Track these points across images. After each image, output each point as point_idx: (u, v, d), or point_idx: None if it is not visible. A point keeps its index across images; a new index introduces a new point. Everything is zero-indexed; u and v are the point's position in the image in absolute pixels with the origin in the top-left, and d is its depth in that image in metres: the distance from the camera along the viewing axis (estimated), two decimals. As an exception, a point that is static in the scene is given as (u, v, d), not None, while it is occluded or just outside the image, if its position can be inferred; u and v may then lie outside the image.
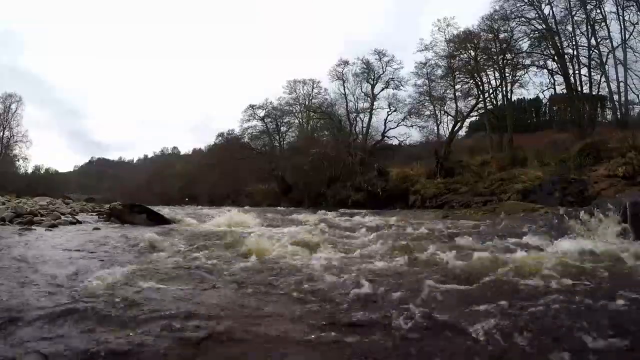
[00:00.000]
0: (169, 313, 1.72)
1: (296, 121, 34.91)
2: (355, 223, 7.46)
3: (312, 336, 1.51)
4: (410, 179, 21.31)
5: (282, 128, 34.36)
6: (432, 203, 17.55)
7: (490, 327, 1.53)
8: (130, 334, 1.49)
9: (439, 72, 24.74)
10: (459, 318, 1.64)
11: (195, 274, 2.61)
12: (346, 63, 28.61)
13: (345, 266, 2.80)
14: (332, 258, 3.10)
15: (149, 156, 66.59)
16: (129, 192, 40.14)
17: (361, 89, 28.65)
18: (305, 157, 26.90)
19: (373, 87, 28.13)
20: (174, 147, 64.57)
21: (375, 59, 27.61)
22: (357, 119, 29.36)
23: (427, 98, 25.33)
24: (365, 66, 27.91)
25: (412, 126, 27.07)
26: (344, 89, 29.12)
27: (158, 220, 7.44)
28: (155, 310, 1.75)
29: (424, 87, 25.54)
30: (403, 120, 27.15)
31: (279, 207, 21.41)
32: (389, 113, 27.49)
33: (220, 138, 38.05)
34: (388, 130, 27.74)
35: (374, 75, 27.96)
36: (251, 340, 1.49)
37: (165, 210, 10.14)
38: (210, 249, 3.73)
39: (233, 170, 33.08)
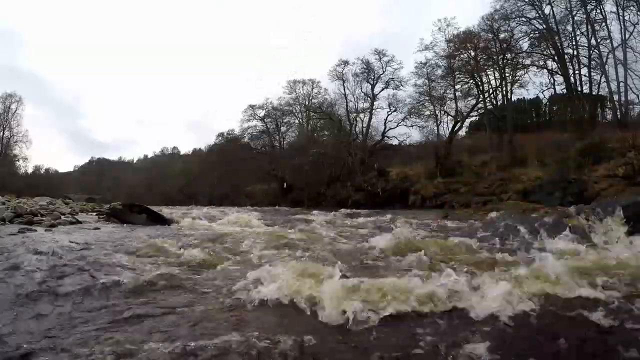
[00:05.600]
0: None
1: (296, 121, 34.92)
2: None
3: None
4: (410, 179, 21.32)
5: (282, 128, 34.37)
6: (432, 203, 17.57)
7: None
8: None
9: (439, 72, 24.74)
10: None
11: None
12: (346, 63, 28.64)
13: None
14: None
15: (149, 156, 66.47)
16: (129, 192, 40.13)
17: (361, 89, 28.67)
18: (305, 157, 26.91)
19: (373, 87, 28.15)
20: (174, 147, 64.41)
21: (375, 59, 27.62)
22: (357, 119, 29.39)
23: (427, 98, 25.31)
24: (365, 66, 27.92)
25: (412, 126, 27.09)
26: (344, 89, 29.14)
27: (158, 220, 7.45)
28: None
29: (424, 87, 25.54)
30: (403, 120, 27.17)
31: (281, 207, 21.40)
32: (389, 113, 27.52)
33: (220, 138, 38.12)
34: (388, 130, 27.77)
35: (374, 75, 27.97)
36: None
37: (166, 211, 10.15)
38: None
39: (233, 170, 33.07)
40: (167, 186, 42.26)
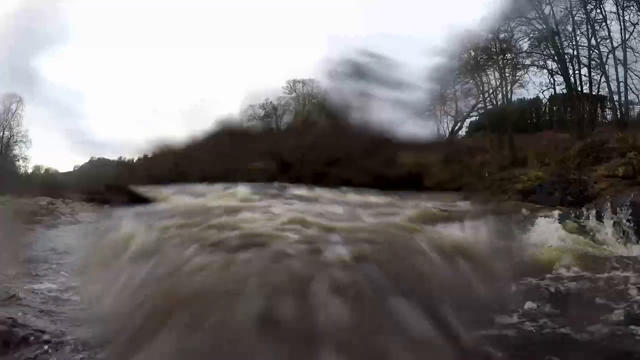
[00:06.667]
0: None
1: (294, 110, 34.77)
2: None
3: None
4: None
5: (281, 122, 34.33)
6: (432, 203, 17.54)
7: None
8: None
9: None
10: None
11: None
12: (346, 63, 28.52)
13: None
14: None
15: (149, 156, 66.53)
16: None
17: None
18: (306, 137, 26.83)
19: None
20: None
21: (376, 59, 27.59)
22: (358, 118, 29.36)
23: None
24: (365, 66, 27.90)
25: (412, 126, 27.05)
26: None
27: (140, 199, 7.33)
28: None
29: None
30: (403, 119, 27.14)
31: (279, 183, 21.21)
32: (389, 112, 27.48)
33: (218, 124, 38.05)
34: (388, 129, 27.73)
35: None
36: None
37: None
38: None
39: (229, 149, 32.99)
40: (157, 166, 41.92)
